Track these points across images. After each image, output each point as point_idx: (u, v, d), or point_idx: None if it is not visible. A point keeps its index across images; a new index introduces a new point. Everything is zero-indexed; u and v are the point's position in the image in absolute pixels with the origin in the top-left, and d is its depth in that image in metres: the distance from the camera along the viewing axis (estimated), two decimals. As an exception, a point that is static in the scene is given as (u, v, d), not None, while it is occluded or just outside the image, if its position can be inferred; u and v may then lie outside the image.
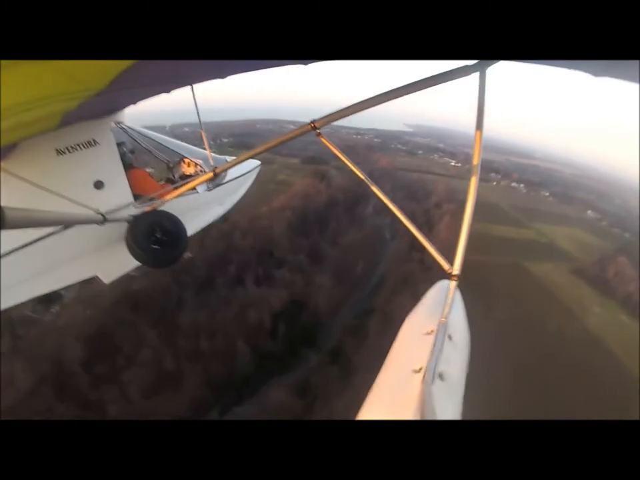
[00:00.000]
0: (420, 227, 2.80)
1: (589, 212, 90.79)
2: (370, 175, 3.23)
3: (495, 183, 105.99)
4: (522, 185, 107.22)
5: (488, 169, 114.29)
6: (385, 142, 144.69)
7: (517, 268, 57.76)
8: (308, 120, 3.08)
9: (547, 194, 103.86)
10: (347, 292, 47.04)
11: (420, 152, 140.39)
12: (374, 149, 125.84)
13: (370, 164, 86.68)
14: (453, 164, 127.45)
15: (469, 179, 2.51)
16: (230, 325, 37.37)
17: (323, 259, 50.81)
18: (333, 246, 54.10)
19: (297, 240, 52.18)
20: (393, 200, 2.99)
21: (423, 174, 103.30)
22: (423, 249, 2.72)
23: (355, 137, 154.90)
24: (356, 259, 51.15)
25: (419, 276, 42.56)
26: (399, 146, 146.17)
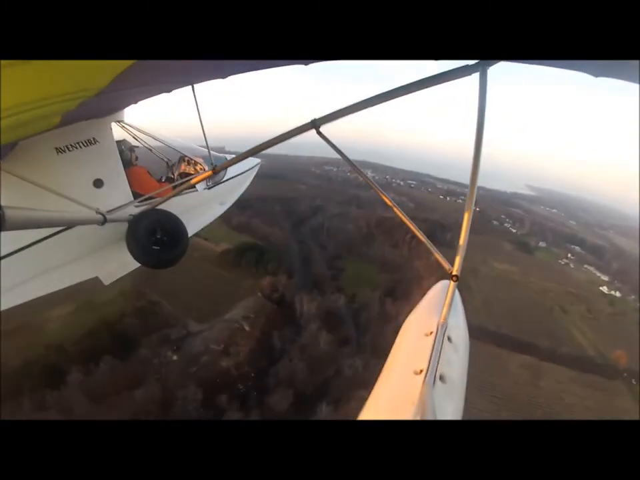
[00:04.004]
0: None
1: None
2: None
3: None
4: None
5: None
6: (485, 212, 78.12)
7: None
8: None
9: None
10: None
11: (542, 244, 72.43)
12: (450, 232, 47.43)
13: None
14: (606, 290, 57.84)
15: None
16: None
17: None
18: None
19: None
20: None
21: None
22: None
23: (441, 198, 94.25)
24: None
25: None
26: (507, 224, 78.64)
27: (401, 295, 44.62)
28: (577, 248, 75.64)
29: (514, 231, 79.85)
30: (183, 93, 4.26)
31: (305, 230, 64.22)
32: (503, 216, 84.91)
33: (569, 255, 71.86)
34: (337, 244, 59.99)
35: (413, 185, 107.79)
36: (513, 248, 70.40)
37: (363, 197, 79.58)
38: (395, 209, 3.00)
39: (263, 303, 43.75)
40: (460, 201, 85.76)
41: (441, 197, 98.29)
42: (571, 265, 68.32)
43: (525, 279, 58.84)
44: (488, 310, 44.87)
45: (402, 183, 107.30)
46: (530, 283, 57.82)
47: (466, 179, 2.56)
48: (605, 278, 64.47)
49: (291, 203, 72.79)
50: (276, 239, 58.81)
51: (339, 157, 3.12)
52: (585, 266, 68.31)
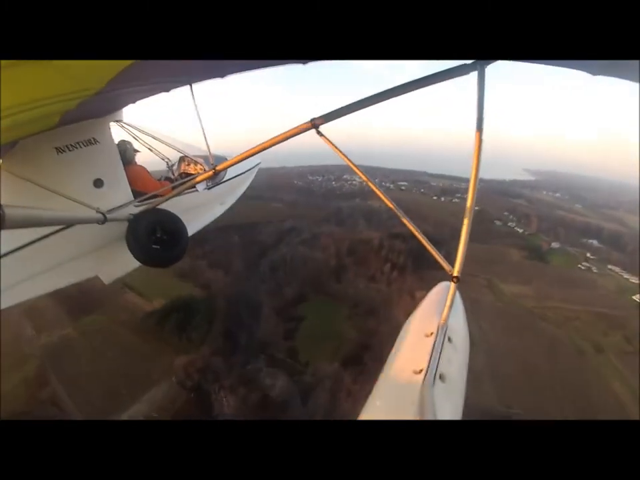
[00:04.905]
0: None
1: None
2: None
3: None
4: None
5: None
6: (485, 212, 68.53)
7: None
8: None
9: None
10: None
11: (555, 245, 63.03)
12: (445, 245, 25.19)
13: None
14: (639, 299, 47.79)
15: None
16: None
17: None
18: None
19: None
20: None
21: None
22: None
23: (435, 199, 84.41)
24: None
25: None
26: (511, 222, 70.09)
27: (373, 359, 30.50)
28: (595, 242, 64.87)
29: (520, 231, 67.62)
30: (182, 97, 4.25)
31: (263, 266, 49.54)
32: (505, 213, 74.16)
33: (588, 255, 60.78)
34: (301, 281, 47.23)
35: (403, 187, 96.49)
36: (522, 256, 57.64)
37: (344, 209, 69.41)
38: (394, 209, 2.99)
39: (174, 394, 31.20)
40: (456, 200, 77.58)
41: (435, 197, 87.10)
42: (594, 269, 57.18)
43: (541, 304, 45.89)
44: (494, 372, 32.80)
45: (392, 185, 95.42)
46: (548, 310, 44.79)
47: (462, 172, 2.46)
48: (635, 280, 53.33)
49: (257, 229, 58.88)
50: (217, 289, 42.61)
51: (323, 164, 3.05)
52: (609, 267, 57.12)
